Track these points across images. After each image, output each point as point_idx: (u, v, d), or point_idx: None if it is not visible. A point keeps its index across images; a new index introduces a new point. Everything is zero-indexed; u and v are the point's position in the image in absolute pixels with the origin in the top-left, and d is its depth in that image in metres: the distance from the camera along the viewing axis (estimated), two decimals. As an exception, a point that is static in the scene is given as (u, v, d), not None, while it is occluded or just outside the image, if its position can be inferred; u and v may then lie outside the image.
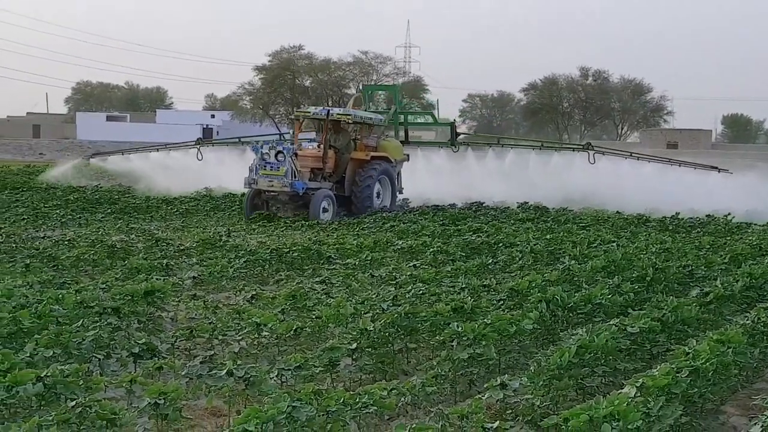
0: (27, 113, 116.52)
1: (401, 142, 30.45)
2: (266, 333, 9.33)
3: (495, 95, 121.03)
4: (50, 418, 5.86)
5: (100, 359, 8.24)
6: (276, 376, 7.65)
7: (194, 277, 13.40)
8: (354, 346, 8.43)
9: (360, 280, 13.16)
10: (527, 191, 29.21)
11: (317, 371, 8.04)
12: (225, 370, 7.18)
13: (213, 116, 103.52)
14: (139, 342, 8.60)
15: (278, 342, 9.29)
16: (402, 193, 28.24)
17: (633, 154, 31.29)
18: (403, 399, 7.28)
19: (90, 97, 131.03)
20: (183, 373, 7.65)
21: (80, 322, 9.18)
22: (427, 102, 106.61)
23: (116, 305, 9.86)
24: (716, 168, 30.04)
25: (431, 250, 16.09)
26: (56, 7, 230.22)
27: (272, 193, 24.66)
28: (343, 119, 26.15)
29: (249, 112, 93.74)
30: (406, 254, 16.08)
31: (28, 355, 7.79)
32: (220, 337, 9.43)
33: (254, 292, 11.90)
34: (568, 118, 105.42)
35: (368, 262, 14.90)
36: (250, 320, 9.50)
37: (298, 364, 7.76)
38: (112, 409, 6.10)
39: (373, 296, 11.24)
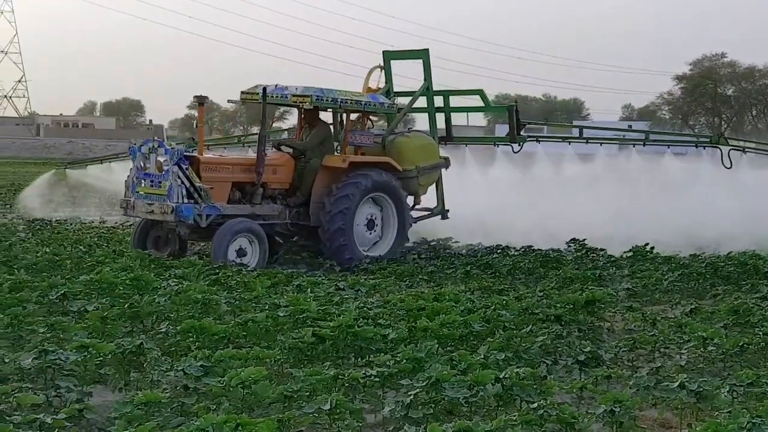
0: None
1: (441, 138, 19.04)
2: (711, 348, 9.18)
3: None
4: (514, 417, 6.18)
5: (548, 364, 8.54)
6: (728, 391, 7.53)
7: (628, 289, 13.44)
8: (809, 366, 8.08)
9: (804, 297, 12.53)
10: (617, 217, 19.16)
11: (770, 389, 7.79)
12: (677, 383, 7.18)
13: (630, 126, 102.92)
14: (584, 350, 8.80)
15: (723, 357, 9.10)
16: (447, 218, 18.68)
17: None
18: None
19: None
20: (630, 383, 7.73)
21: (528, 327, 9.59)
22: None
23: (558, 313, 10.20)
24: None
25: None
26: (475, 21, 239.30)
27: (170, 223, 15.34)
28: (298, 102, 16.35)
29: (668, 123, 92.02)
30: None
31: (481, 356, 8.26)
32: (663, 350, 9.42)
33: (692, 306, 11.71)
34: None
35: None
36: (693, 334, 9.39)
37: (750, 380, 7.58)
38: (572, 413, 6.31)
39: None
